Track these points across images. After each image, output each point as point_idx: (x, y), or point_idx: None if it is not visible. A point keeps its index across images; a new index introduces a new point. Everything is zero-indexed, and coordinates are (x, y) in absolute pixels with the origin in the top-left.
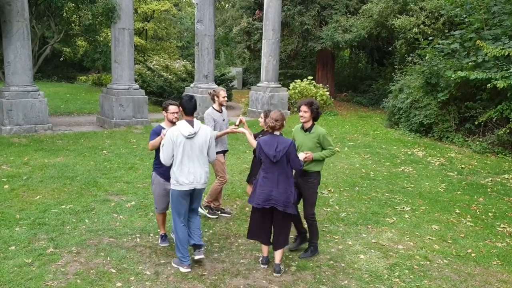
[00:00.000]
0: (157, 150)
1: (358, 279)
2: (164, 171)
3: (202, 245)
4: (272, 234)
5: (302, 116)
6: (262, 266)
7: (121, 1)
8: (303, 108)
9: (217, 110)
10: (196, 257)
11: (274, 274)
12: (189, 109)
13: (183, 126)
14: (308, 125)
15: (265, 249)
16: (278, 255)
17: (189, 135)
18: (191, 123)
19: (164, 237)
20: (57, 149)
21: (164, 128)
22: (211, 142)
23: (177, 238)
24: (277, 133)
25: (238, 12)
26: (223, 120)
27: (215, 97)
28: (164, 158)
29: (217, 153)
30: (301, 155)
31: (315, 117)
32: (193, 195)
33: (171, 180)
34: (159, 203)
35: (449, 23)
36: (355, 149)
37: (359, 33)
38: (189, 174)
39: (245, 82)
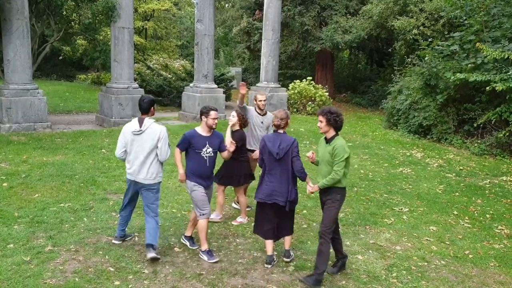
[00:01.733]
0: (188, 157)
1: (356, 280)
2: (196, 176)
3: (153, 245)
4: (277, 228)
5: (319, 127)
6: (266, 266)
7: (121, 0)
8: (319, 117)
9: (258, 112)
10: (148, 256)
11: (284, 259)
12: (143, 108)
13: (133, 123)
14: (329, 135)
15: (269, 246)
16: (287, 241)
17: (134, 131)
18: (141, 121)
19: (210, 252)
20: (56, 148)
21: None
22: (160, 142)
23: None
24: (281, 131)
25: (238, 12)
26: (261, 122)
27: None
28: (116, 151)
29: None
30: (309, 153)
31: (335, 126)
32: (138, 191)
33: None
34: (205, 205)
35: (449, 25)
36: (353, 150)
37: (359, 34)
38: (132, 165)
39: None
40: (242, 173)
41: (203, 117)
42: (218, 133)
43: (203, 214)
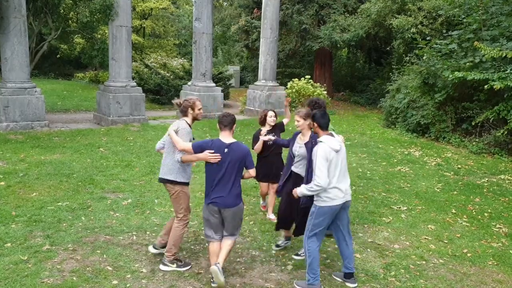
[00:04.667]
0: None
1: None
2: None
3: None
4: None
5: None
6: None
7: None
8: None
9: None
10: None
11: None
12: (326, 123)
13: (332, 140)
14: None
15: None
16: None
17: (336, 149)
18: (332, 136)
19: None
20: (53, 146)
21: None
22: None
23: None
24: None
25: (236, 11)
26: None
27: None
28: (324, 179)
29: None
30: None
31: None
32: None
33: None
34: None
35: (447, 24)
36: (352, 149)
37: (357, 32)
38: (344, 185)
39: (243, 80)
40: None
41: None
42: None
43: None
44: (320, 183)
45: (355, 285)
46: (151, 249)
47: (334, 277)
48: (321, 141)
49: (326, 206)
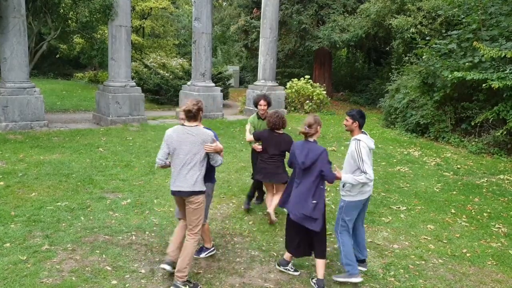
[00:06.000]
0: (204, 161)
1: None
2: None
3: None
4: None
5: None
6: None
7: None
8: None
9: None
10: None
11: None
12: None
13: (368, 139)
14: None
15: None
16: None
17: (372, 148)
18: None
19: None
20: (52, 146)
21: None
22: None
23: None
24: (310, 139)
25: (235, 10)
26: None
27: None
28: (372, 173)
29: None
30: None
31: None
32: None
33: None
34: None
35: (447, 24)
36: None
37: (357, 32)
38: (370, 186)
39: (242, 80)
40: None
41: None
42: None
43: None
44: (371, 177)
45: (366, 269)
46: (166, 267)
47: (334, 278)
48: (359, 139)
49: (357, 200)
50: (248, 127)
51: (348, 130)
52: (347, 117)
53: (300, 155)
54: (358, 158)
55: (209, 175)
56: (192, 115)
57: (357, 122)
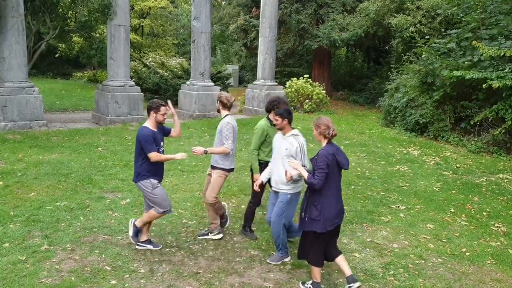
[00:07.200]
0: (142, 156)
1: None
2: (153, 174)
3: None
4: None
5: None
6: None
7: None
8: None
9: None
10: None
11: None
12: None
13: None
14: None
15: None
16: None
17: None
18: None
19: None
20: (52, 146)
21: (152, 130)
22: None
23: None
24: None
25: (235, 10)
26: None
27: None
28: None
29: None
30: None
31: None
32: None
33: None
34: (168, 200)
35: (446, 23)
36: (350, 148)
37: (356, 31)
38: None
39: (242, 80)
40: None
41: (152, 112)
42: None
43: (167, 210)
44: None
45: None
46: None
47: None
48: (296, 135)
49: (298, 192)
50: (255, 154)
51: (279, 128)
52: (276, 117)
53: (344, 158)
54: (301, 153)
55: None
56: (229, 107)
57: (286, 119)
